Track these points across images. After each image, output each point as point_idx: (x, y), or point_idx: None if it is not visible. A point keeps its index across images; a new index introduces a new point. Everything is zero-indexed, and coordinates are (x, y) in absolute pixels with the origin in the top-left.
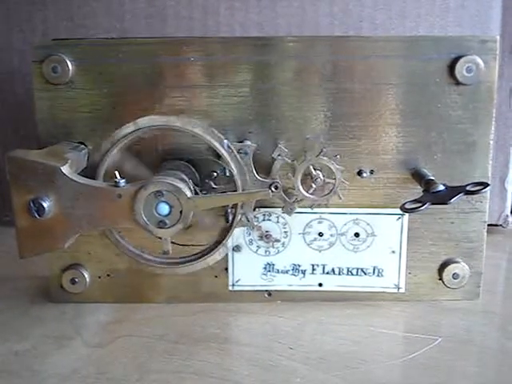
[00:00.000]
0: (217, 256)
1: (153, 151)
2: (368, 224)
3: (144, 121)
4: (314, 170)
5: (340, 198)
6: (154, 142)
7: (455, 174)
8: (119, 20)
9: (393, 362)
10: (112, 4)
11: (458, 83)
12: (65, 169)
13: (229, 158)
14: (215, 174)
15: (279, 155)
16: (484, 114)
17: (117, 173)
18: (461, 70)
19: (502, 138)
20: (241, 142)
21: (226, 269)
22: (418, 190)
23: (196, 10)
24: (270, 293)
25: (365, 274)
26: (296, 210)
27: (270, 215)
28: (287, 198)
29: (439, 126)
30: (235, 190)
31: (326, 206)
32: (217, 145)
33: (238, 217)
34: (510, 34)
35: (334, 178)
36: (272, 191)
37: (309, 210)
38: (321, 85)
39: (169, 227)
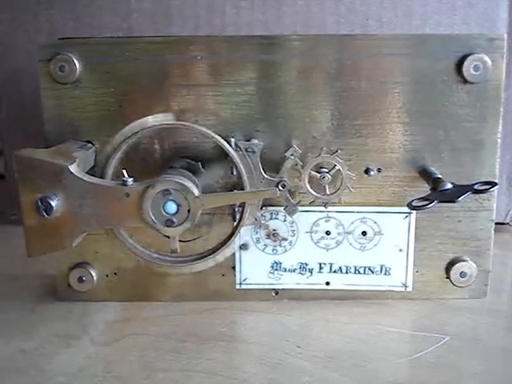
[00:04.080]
0: (222, 256)
1: (160, 150)
2: (375, 222)
3: (151, 119)
4: (320, 169)
5: (351, 191)
6: (161, 140)
7: (462, 172)
8: (125, 19)
9: (400, 360)
10: (118, 3)
11: (465, 81)
12: (73, 168)
13: (236, 157)
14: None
15: (292, 155)
16: (491, 112)
17: (124, 171)
18: (468, 68)
19: (508, 136)
20: (248, 140)
21: (233, 267)
22: (425, 189)
23: (202, 9)
24: (277, 291)
25: (372, 272)
26: (300, 210)
27: (277, 214)
28: (291, 199)
29: (446, 125)
30: (242, 189)
31: (339, 203)
32: (224, 143)
33: (246, 215)
34: None
35: (341, 173)
36: (279, 190)
37: (316, 208)
38: (327, 83)
39: (176, 226)
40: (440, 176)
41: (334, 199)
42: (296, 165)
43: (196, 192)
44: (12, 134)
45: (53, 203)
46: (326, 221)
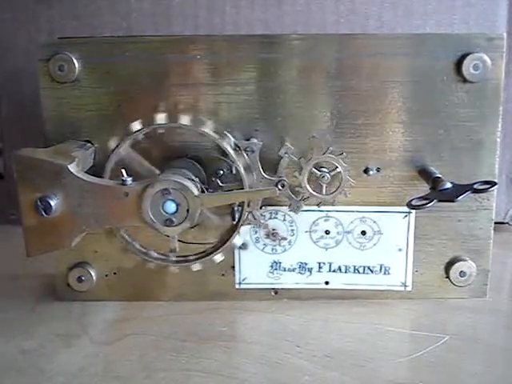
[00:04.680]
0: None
1: (159, 149)
2: (375, 222)
3: (150, 119)
4: (321, 168)
5: (346, 196)
6: (161, 139)
7: (462, 171)
8: (125, 18)
9: (400, 359)
10: (118, 3)
11: (464, 81)
12: (72, 167)
13: (235, 156)
14: (222, 172)
15: (286, 153)
16: (491, 111)
17: (123, 171)
18: (468, 67)
19: (508, 135)
20: (247, 140)
21: (233, 267)
22: (424, 188)
23: (201, 8)
24: (276, 291)
25: (371, 272)
26: (302, 208)
27: (276, 213)
28: (294, 196)
29: (446, 124)
30: (242, 188)
31: (333, 205)
32: (223, 143)
33: (245, 215)
34: None
35: (341, 177)
36: (279, 189)
37: (315, 208)
38: (327, 83)
39: (176, 225)
40: (439, 175)
41: (329, 200)
42: (292, 162)
43: (195, 191)
44: (12, 133)
45: (52, 203)
46: (326, 220)
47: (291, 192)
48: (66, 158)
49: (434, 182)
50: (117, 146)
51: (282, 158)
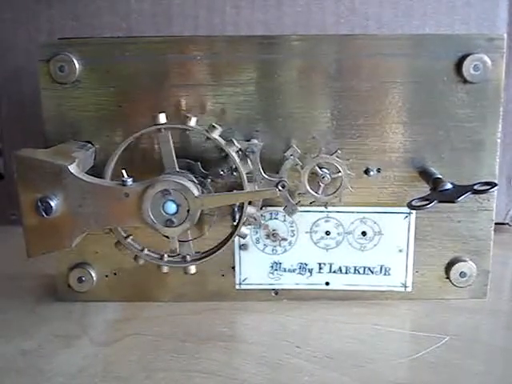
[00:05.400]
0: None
1: (160, 150)
2: (375, 223)
3: (151, 120)
4: (321, 168)
5: (340, 201)
6: None
7: (462, 172)
8: (125, 19)
9: (400, 360)
10: (118, 3)
11: (465, 81)
12: (72, 168)
13: (236, 157)
14: (222, 172)
15: (291, 155)
16: (491, 112)
17: (124, 172)
18: (468, 68)
19: (508, 136)
20: (248, 140)
21: (233, 267)
22: (425, 189)
23: (201, 8)
24: (276, 291)
25: (372, 272)
26: (299, 210)
27: (277, 214)
28: (291, 199)
29: (446, 125)
30: (242, 189)
31: (325, 207)
32: (224, 143)
33: (245, 215)
34: None
35: (341, 182)
36: (279, 190)
37: (316, 208)
38: (327, 83)
39: (176, 226)
40: (440, 176)
41: (334, 199)
42: (296, 165)
43: (195, 192)
44: (12, 133)
45: (52, 203)
46: (326, 221)
47: (290, 194)
48: (66, 158)
49: (435, 183)
50: (117, 146)
51: (287, 159)
